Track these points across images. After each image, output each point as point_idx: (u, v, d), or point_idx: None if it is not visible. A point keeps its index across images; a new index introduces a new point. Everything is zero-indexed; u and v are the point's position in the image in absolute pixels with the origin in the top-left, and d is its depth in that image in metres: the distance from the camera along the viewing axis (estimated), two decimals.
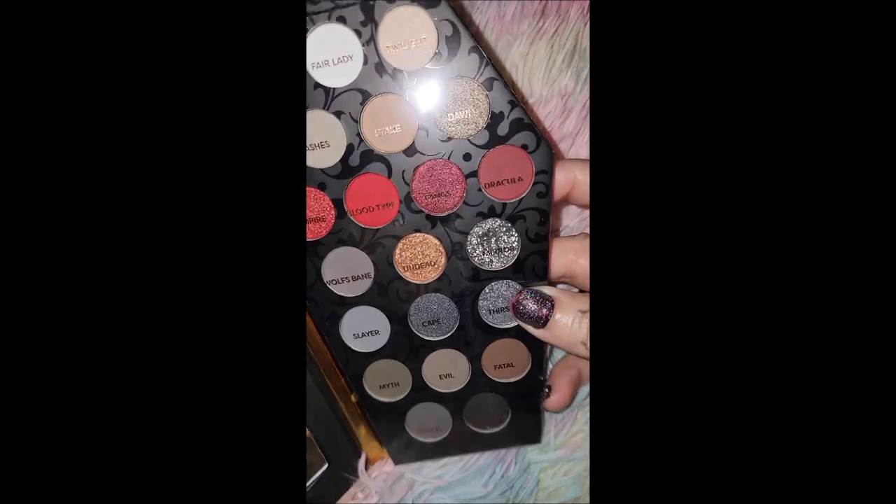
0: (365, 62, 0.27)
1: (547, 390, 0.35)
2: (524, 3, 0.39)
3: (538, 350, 0.33)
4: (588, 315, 0.29)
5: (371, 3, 0.26)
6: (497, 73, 0.27)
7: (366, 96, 0.28)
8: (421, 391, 0.35)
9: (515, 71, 0.39)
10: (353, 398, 0.37)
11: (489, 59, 0.27)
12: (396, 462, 0.39)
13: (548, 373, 0.37)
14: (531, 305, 0.30)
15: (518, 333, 0.33)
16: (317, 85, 0.28)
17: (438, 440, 0.37)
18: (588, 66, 0.37)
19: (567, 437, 0.36)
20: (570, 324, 0.29)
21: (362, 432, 0.38)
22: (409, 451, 0.37)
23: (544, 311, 0.30)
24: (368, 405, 0.36)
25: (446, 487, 0.36)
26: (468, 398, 0.35)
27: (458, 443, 0.37)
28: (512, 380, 0.34)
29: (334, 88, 0.28)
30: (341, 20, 0.26)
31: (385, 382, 0.35)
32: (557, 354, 0.39)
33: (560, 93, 0.38)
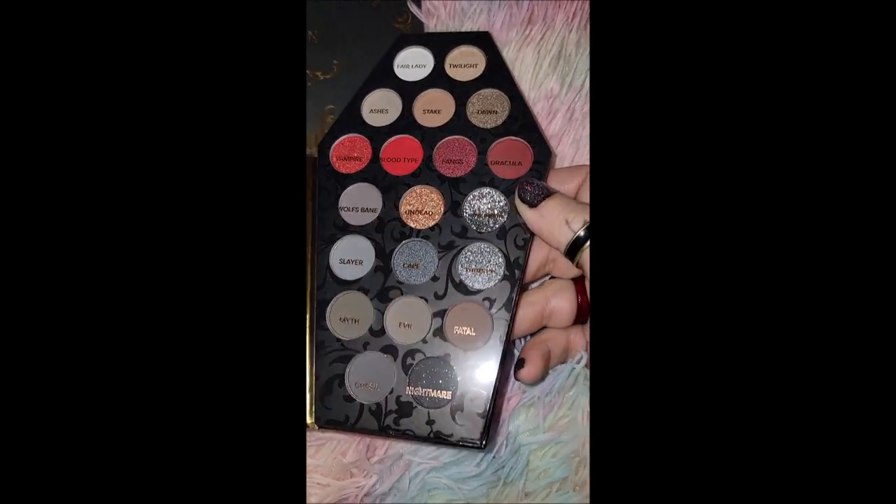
0: (432, 71, 0.40)
1: (521, 362, 0.34)
2: (512, 12, 0.43)
3: (501, 324, 0.34)
4: (585, 210, 0.31)
5: (449, 40, 0.40)
6: (519, 92, 0.38)
7: (424, 89, 0.39)
8: (376, 335, 0.35)
9: None
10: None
11: (515, 82, 0.39)
12: (319, 425, 0.34)
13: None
14: (533, 187, 0.33)
15: (487, 299, 0.34)
16: (395, 77, 0.40)
17: (371, 403, 0.33)
18: (572, 70, 0.42)
19: (555, 420, 0.37)
20: (558, 209, 0.32)
21: None
22: (336, 412, 0.34)
23: (541, 197, 0.33)
24: (318, 342, 0.35)
25: (441, 468, 0.37)
26: (418, 358, 0.34)
27: (390, 415, 0.33)
28: (468, 348, 0.34)
29: (406, 80, 0.40)
30: (428, 46, 0.40)
31: (347, 316, 0.35)
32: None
33: (546, 95, 0.42)
